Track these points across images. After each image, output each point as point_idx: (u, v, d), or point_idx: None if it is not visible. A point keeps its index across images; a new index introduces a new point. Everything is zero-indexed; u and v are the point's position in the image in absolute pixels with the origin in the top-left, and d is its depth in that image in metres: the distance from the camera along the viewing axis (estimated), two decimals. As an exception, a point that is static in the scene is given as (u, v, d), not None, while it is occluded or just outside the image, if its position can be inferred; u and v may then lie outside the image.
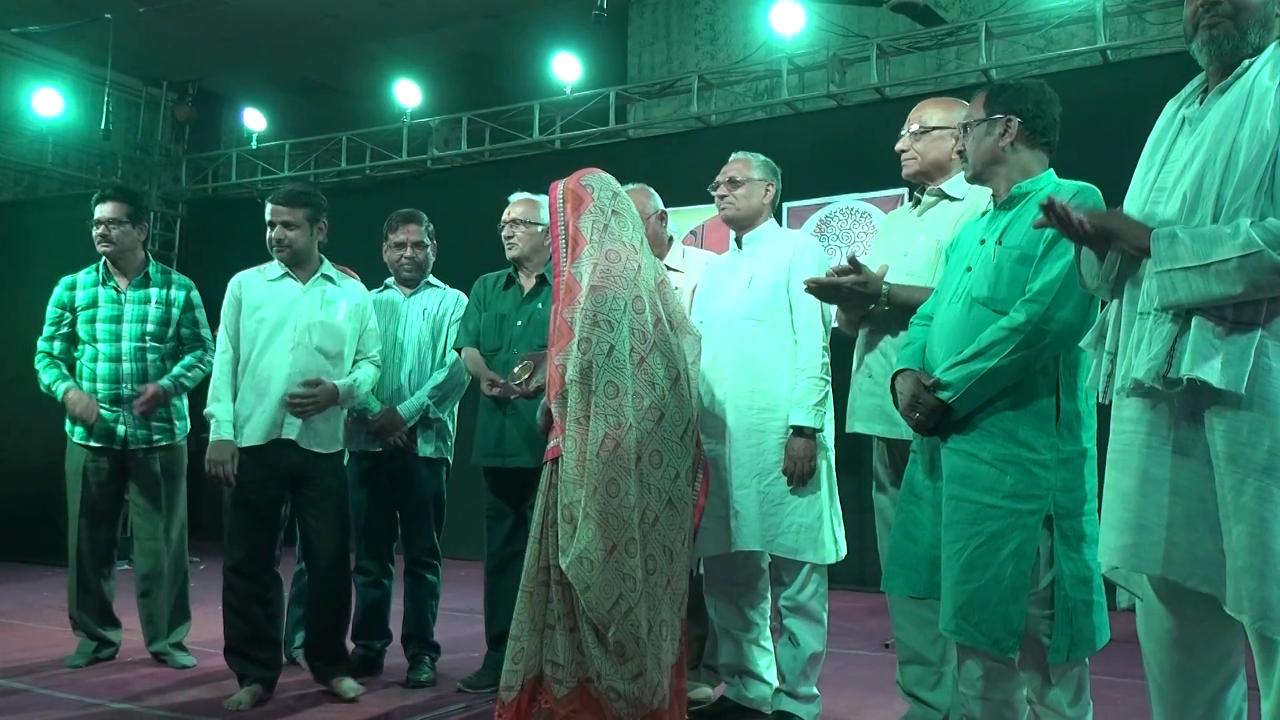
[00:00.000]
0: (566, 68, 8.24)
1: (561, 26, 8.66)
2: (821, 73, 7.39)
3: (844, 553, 3.33)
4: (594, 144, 8.15)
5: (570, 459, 2.83)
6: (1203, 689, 2.06)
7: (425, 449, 3.99)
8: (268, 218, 3.67)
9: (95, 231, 4.20)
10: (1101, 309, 2.24)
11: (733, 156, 3.52)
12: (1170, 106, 2.17)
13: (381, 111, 9.07)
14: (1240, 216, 1.92)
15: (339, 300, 3.72)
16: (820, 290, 3.00)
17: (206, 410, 3.60)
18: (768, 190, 3.44)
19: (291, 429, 3.55)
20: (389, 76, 8.92)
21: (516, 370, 3.58)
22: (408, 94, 8.76)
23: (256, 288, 3.67)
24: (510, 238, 3.86)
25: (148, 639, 4.22)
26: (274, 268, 3.71)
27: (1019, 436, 2.39)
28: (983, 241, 2.56)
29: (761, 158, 3.49)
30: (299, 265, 3.70)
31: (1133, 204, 2.10)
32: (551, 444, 3.00)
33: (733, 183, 3.44)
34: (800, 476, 3.21)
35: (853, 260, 2.94)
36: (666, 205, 3.93)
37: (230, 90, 10.39)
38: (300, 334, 3.60)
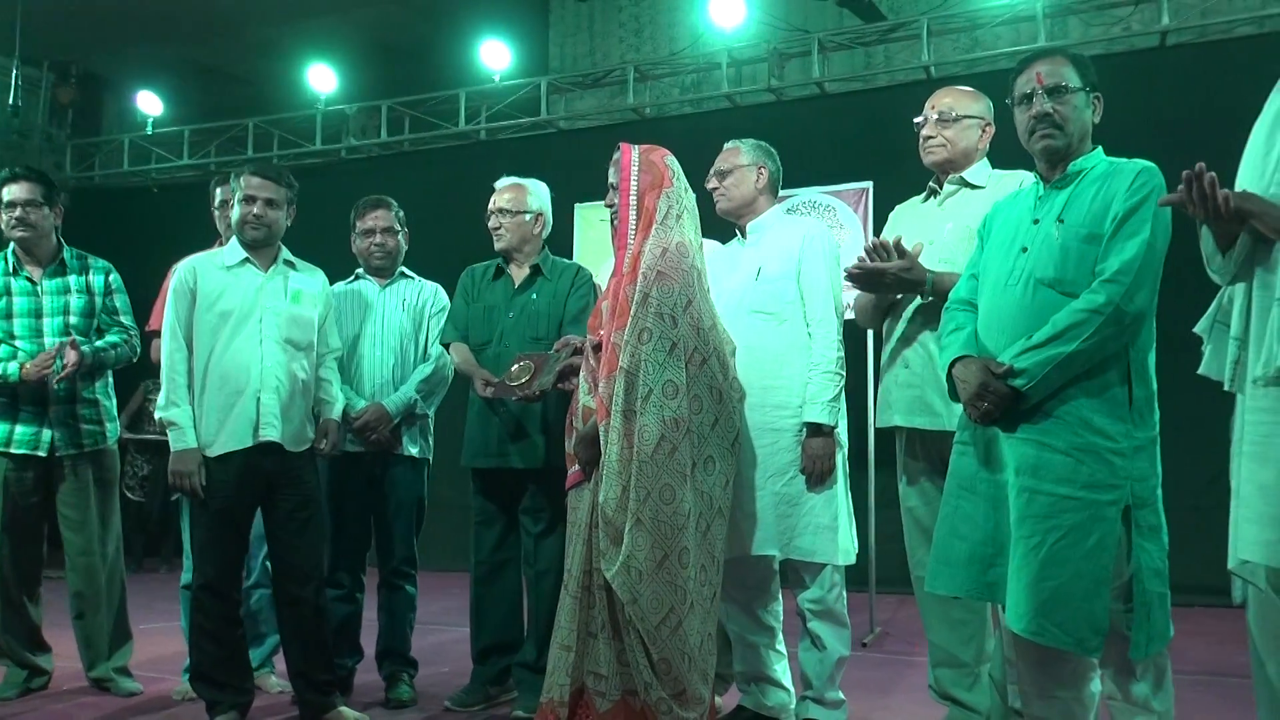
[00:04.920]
0: (495, 55, 7.94)
1: (480, 14, 8.36)
2: (758, 66, 7.33)
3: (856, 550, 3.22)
4: (523, 135, 7.90)
5: (614, 452, 2.63)
6: None
7: (411, 448, 3.72)
8: (243, 192, 3.30)
9: (9, 215, 3.76)
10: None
11: (725, 146, 3.37)
12: None
13: (293, 99, 8.61)
14: None
15: (303, 288, 3.41)
16: (863, 278, 2.86)
17: (161, 415, 3.23)
18: (760, 173, 3.28)
19: (272, 430, 3.23)
20: (298, 61, 8.46)
21: (514, 370, 3.33)
22: (322, 79, 8.33)
23: (212, 276, 3.30)
24: (497, 229, 3.62)
25: (87, 664, 3.82)
26: (231, 253, 3.36)
27: (1094, 424, 2.27)
28: (1036, 221, 2.45)
29: (752, 141, 3.33)
30: (262, 251, 3.37)
31: (1252, 186, 2.02)
32: (573, 469, 2.86)
33: (720, 174, 3.30)
34: (820, 475, 3.07)
35: (897, 244, 2.81)
36: (599, 199, 3.75)
37: (115, 73, 9.71)
38: (268, 326, 3.28)
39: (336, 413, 3.42)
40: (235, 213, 3.33)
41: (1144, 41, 6.54)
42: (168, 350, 3.26)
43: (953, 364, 2.47)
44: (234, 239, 3.38)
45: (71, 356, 3.66)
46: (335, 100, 8.40)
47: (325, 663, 3.36)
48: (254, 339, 3.25)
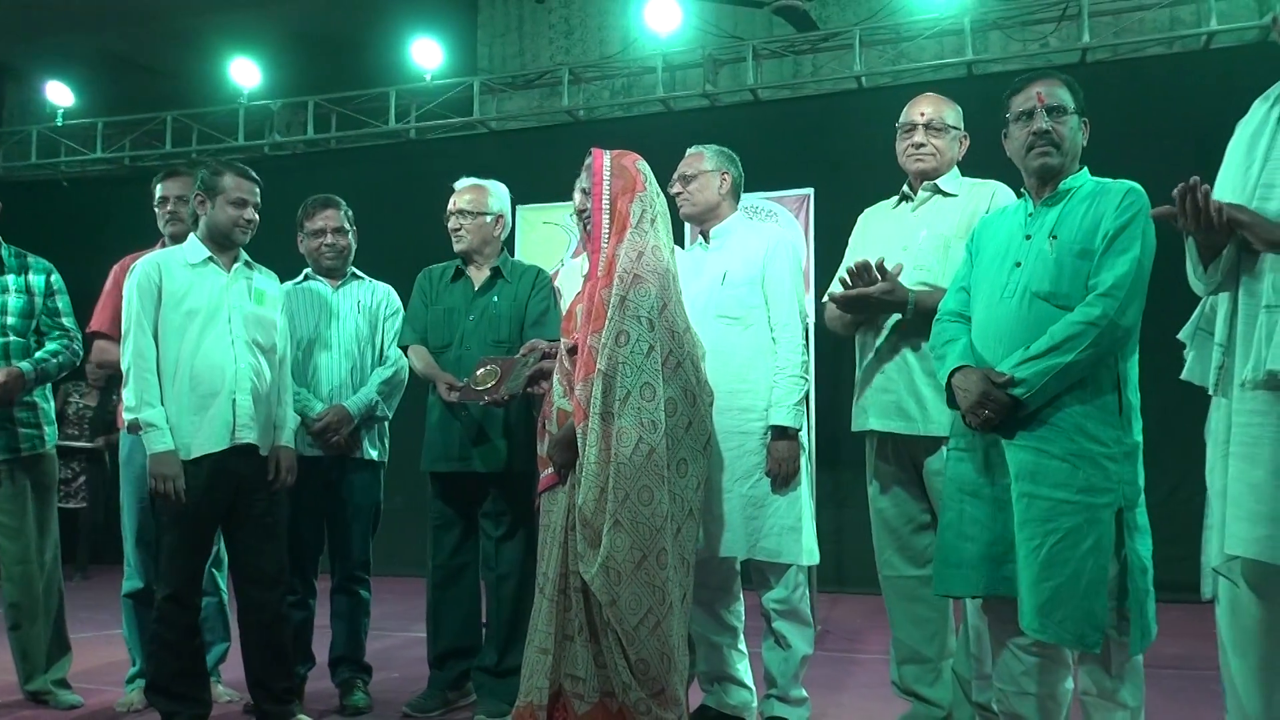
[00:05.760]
0: (425, 54, 7.84)
1: (409, 10, 8.25)
2: (692, 71, 7.40)
3: None
4: (454, 135, 7.83)
5: (592, 454, 2.65)
6: None
7: (371, 451, 3.66)
8: (234, 194, 3.22)
9: None
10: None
11: (688, 151, 3.41)
12: (1260, 105, 2.20)
13: (215, 93, 8.37)
14: None
15: (265, 290, 3.34)
16: (847, 303, 2.93)
17: (135, 417, 3.10)
18: (723, 179, 3.32)
19: (249, 431, 3.14)
20: (220, 54, 8.23)
21: (479, 375, 3.29)
22: (245, 73, 8.12)
23: (177, 274, 3.20)
24: (457, 230, 3.58)
25: (23, 677, 3.66)
26: (193, 251, 3.25)
27: (1088, 430, 2.38)
28: (1028, 237, 2.54)
29: (715, 147, 3.37)
30: (226, 250, 3.29)
31: (1233, 199, 2.13)
32: (546, 472, 2.86)
33: (685, 179, 3.34)
34: (785, 478, 3.14)
35: (880, 266, 2.87)
36: (531, 201, 3.78)
37: (21, 61, 9.33)
38: (235, 327, 3.20)
39: (288, 438, 3.30)
40: (220, 213, 3.23)
41: (1062, 58, 6.79)
42: (135, 347, 3.13)
43: (952, 373, 2.54)
44: (192, 236, 3.29)
45: (10, 373, 3.52)
46: (258, 95, 8.20)
47: (285, 671, 3.29)
48: (225, 339, 3.17)
